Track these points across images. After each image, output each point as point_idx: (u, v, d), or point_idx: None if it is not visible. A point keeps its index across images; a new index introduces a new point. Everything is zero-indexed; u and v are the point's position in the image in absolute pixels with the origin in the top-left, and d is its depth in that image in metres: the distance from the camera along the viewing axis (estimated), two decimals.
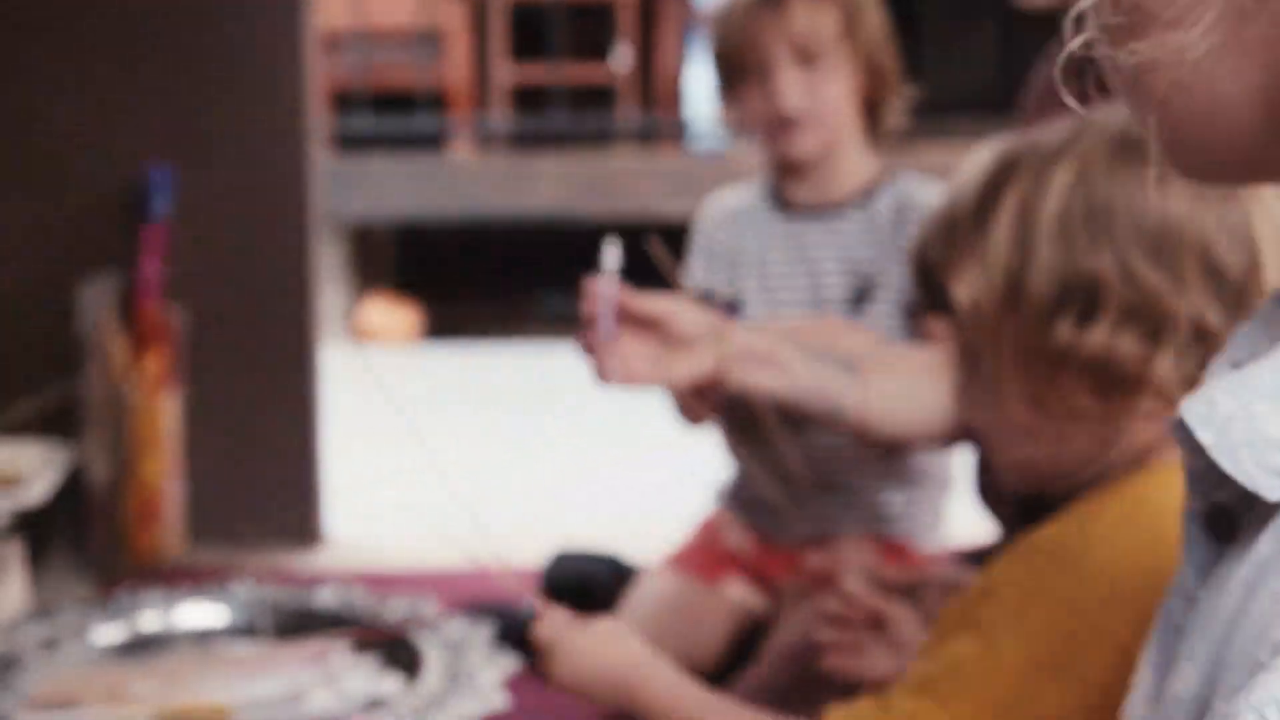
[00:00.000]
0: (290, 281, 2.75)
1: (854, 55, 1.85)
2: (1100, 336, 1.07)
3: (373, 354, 5.20)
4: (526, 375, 5.02)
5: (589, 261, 1.45)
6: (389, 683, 1.64)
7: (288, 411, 2.77)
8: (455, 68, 5.68)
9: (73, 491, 2.66)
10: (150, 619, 1.79)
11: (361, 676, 1.66)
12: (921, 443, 1.69)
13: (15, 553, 2.37)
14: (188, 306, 2.71)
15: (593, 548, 2.32)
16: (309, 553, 2.78)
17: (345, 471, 3.20)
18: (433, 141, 5.51)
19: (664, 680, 1.32)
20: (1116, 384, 1.08)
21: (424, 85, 5.45)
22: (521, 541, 2.76)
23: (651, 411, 4.42)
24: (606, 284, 1.42)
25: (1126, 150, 1.10)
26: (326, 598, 1.82)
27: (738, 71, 1.89)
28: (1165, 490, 1.06)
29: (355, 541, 2.85)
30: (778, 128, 1.86)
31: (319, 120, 2.90)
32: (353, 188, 5.18)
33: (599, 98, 6.03)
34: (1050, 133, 1.14)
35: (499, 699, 1.59)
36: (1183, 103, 0.66)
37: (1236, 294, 1.07)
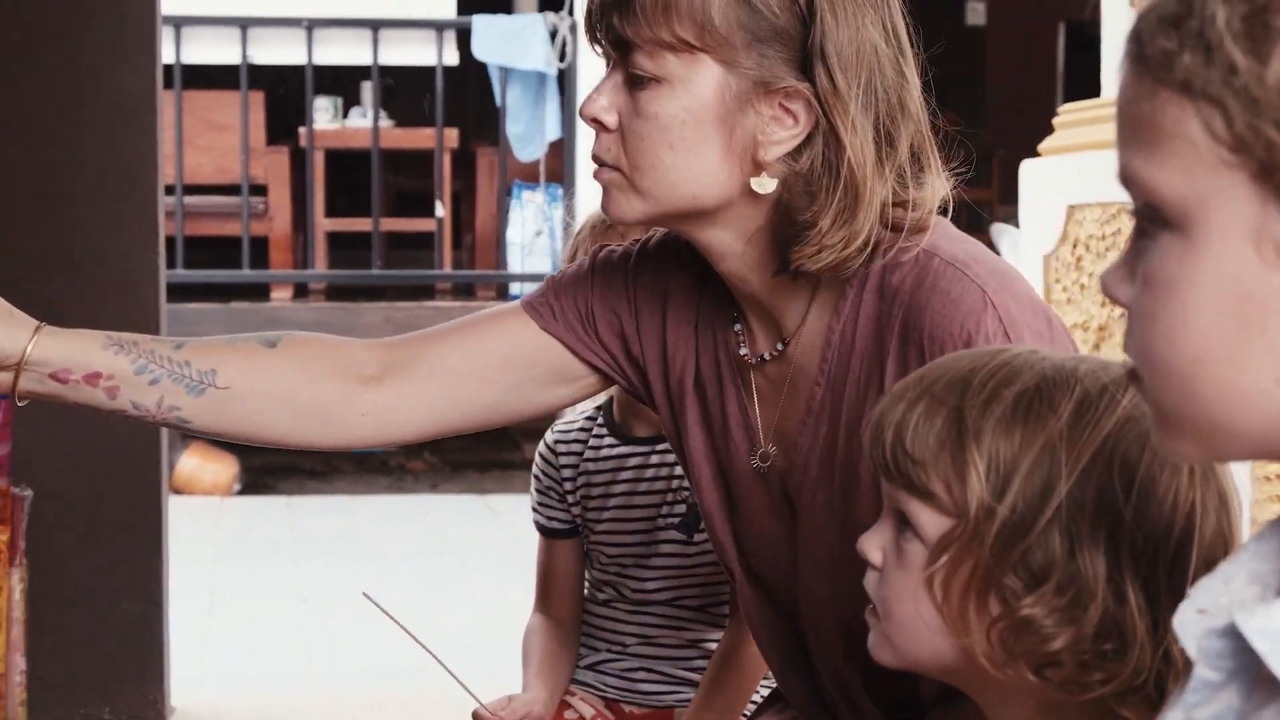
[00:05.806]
0: (137, 450, 2.74)
1: None
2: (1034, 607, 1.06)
3: (189, 506, 5.13)
4: (346, 526, 5.00)
5: None
6: None
7: (134, 585, 2.74)
8: (277, 217, 5.70)
9: None
10: None
11: None
12: None
13: None
14: (32, 481, 2.67)
15: None
16: None
17: (180, 635, 3.16)
18: (254, 291, 5.51)
19: None
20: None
21: (246, 233, 5.46)
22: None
23: (478, 563, 4.42)
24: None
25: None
26: None
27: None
28: None
29: (200, 713, 2.82)
30: None
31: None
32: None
33: (418, 248, 6.09)
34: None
35: None
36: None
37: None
